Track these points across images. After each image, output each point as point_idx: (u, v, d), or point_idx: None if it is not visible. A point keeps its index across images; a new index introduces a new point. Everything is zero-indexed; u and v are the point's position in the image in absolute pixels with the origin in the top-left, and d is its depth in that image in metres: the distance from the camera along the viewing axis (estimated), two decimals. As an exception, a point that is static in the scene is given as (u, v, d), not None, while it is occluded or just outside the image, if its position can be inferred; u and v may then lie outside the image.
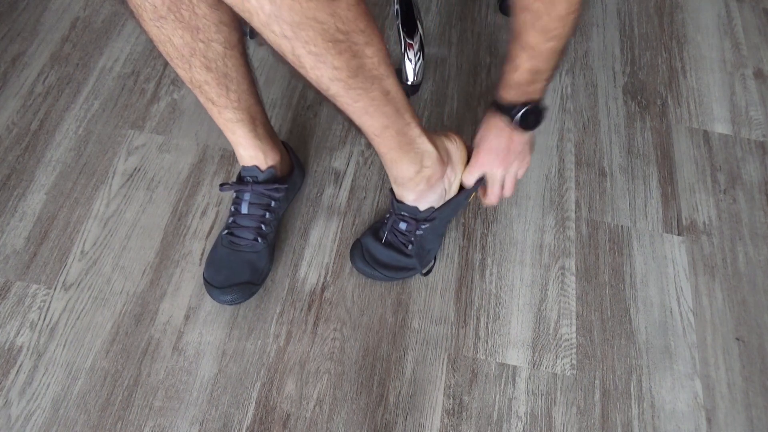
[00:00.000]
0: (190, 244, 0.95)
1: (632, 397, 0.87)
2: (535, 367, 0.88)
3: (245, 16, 0.54)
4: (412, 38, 1.08)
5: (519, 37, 0.67)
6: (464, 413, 0.84)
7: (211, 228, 0.97)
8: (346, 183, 1.03)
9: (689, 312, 0.94)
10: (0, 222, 0.95)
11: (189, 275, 0.92)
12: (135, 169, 1.02)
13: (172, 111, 1.09)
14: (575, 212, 1.03)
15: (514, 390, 0.87)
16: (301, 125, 1.09)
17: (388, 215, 0.91)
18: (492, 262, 0.97)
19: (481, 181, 0.86)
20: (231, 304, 0.89)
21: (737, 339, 0.93)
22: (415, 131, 0.73)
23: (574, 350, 0.90)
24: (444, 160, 0.80)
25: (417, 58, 1.08)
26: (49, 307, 0.88)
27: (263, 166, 0.86)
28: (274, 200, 0.89)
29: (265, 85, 1.13)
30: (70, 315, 0.88)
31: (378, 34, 0.59)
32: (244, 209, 0.88)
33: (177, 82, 1.12)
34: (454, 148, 0.83)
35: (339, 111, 0.66)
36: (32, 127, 1.05)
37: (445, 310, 0.92)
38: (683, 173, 1.09)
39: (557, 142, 1.10)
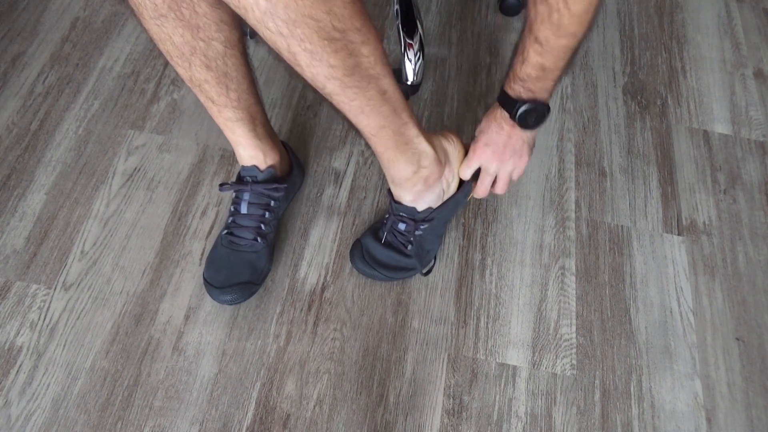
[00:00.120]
0: (190, 244, 0.95)
1: (632, 397, 0.87)
2: (535, 367, 0.88)
3: (241, 12, 0.54)
4: (412, 38, 1.08)
5: (531, 30, 0.65)
6: (464, 413, 0.84)
7: (211, 228, 0.97)
8: (346, 183, 1.03)
9: (689, 312, 0.94)
10: (0, 222, 0.95)
11: (189, 275, 0.92)
12: (135, 169, 1.02)
13: (172, 111, 1.09)
14: (575, 212, 1.03)
15: (514, 390, 0.87)
16: (301, 125, 1.09)
17: (387, 215, 0.91)
18: (492, 262, 0.97)
19: (477, 178, 0.86)
20: (231, 304, 0.89)
21: (737, 339, 0.93)
22: (413, 131, 0.73)
23: (574, 350, 0.90)
24: (441, 160, 0.80)
25: (417, 58, 1.08)
26: (49, 307, 0.88)
27: (263, 166, 0.86)
28: (274, 200, 0.89)
29: (265, 85, 1.13)
30: (70, 315, 0.88)
31: (374, 33, 0.59)
32: (244, 209, 0.88)
33: (177, 82, 1.12)
34: (452, 148, 0.83)
35: (337, 110, 0.66)
36: (32, 127, 1.05)
37: (445, 310, 0.92)
38: (683, 173, 1.09)
39: (557, 142, 1.10)
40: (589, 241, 1.00)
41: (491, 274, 0.96)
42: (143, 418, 0.81)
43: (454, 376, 0.87)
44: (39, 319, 0.87)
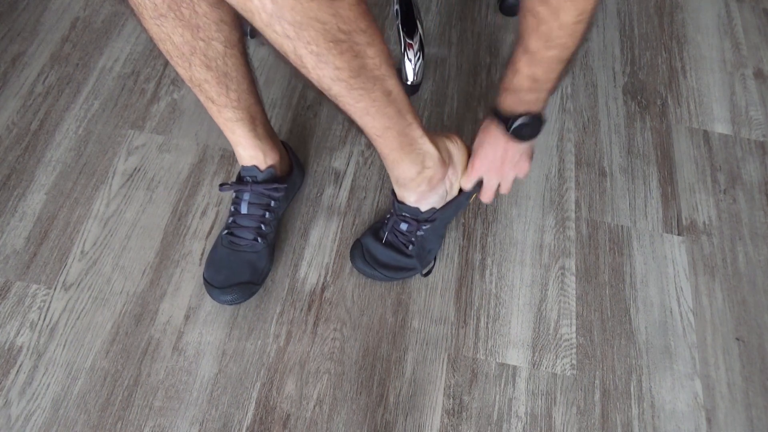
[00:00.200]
0: (190, 244, 0.95)
1: (632, 397, 0.87)
2: (535, 367, 0.88)
3: (247, 15, 0.54)
4: (412, 38, 1.08)
5: (521, 41, 0.65)
6: (464, 413, 0.84)
7: (211, 228, 0.97)
8: (346, 183, 1.03)
9: (689, 312, 0.94)
10: (0, 222, 0.95)
11: (189, 275, 0.92)
12: (135, 169, 1.02)
13: (172, 111, 1.09)
14: (575, 212, 1.03)
15: (514, 390, 0.86)
16: (301, 125, 1.09)
17: (388, 215, 0.91)
18: (492, 262, 0.97)
19: (481, 183, 0.86)
20: (231, 304, 0.89)
21: (737, 339, 0.93)
22: (417, 132, 0.73)
23: (574, 350, 0.90)
24: (445, 161, 0.80)
25: (417, 58, 1.08)
26: (49, 307, 0.88)
27: (263, 166, 0.86)
28: (274, 200, 0.89)
29: (265, 85, 1.13)
30: (70, 315, 0.88)
31: (379, 34, 0.59)
32: (244, 209, 0.88)
33: (177, 82, 1.12)
34: (456, 149, 0.83)
35: (340, 111, 0.66)
36: (32, 127, 1.05)
37: (445, 310, 0.92)
38: (683, 173, 1.09)
39: (557, 142, 1.11)
40: (589, 241, 1.00)
41: (491, 274, 0.96)
42: (143, 418, 0.81)
43: (454, 376, 0.87)
44: (39, 319, 0.87)
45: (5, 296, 0.89)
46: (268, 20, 0.53)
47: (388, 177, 0.83)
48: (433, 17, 1.26)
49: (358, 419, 0.83)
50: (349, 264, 0.94)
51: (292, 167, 0.96)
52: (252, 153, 0.84)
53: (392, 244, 0.90)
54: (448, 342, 0.89)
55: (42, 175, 1.00)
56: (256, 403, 0.83)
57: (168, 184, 1.00)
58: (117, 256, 0.93)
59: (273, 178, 0.88)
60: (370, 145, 1.02)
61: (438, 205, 0.86)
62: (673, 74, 1.22)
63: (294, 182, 0.96)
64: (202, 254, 0.94)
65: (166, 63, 1.14)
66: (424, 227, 0.88)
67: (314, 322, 0.90)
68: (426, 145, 0.76)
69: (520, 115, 0.73)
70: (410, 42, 1.07)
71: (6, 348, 0.85)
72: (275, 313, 0.90)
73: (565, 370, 0.88)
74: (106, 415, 0.81)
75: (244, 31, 0.73)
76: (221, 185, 0.88)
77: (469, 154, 0.85)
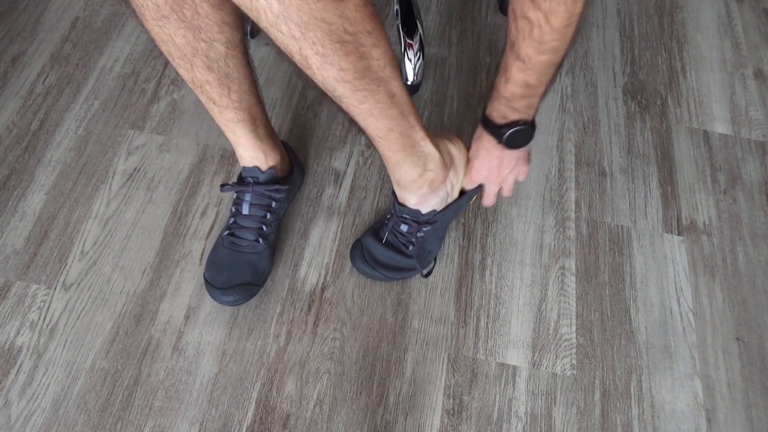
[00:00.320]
0: (190, 244, 0.95)
1: (632, 397, 0.87)
2: (535, 367, 0.89)
3: (253, 15, 0.54)
4: (412, 38, 1.08)
5: (513, 47, 0.64)
6: (464, 413, 0.84)
7: (211, 228, 0.97)
8: (346, 183, 1.03)
9: (689, 312, 0.95)
10: (0, 222, 0.95)
11: (189, 275, 0.92)
12: (135, 169, 1.02)
13: (172, 111, 1.09)
14: (575, 212, 1.03)
15: (514, 390, 0.87)
16: (301, 125, 1.09)
17: (389, 216, 0.91)
18: (492, 262, 0.97)
19: (482, 186, 0.86)
20: (232, 305, 0.89)
21: (737, 339, 0.93)
22: (419, 134, 0.73)
23: (574, 350, 0.90)
24: (447, 163, 0.80)
25: (417, 58, 1.08)
26: (49, 307, 0.88)
27: (264, 167, 0.86)
28: (275, 201, 0.89)
29: (265, 85, 1.13)
30: (70, 315, 0.88)
31: (385, 36, 0.59)
32: (245, 210, 0.88)
33: (177, 82, 1.12)
34: (457, 151, 0.83)
35: (342, 112, 0.66)
36: (32, 127, 1.05)
37: (445, 310, 0.92)
38: (683, 173, 1.09)
39: (557, 142, 1.11)
40: (589, 241, 1.00)
41: (491, 274, 0.96)
42: (143, 418, 0.81)
43: (454, 376, 0.87)
44: (39, 319, 0.87)
45: (5, 296, 0.89)
46: (275, 20, 0.53)
47: (388, 177, 0.83)
48: (433, 17, 1.26)
49: (358, 419, 0.83)
50: (349, 264, 0.95)
51: (293, 167, 0.96)
52: (253, 153, 0.84)
53: (392, 244, 0.90)
54: (448, 342, 0.90)
55: (42, 175, 1.00)
56: (256, 403, 0.83)
57: (168, 184, 1.00)
58: (117, 256, 0.93)
59: (274, 179, 0.88)
60: (370, 145, 1.02)
61: (439, 207, 0.86)
62: (673, 74, 1.22)
63: (294, 182, 0.96)
64: (202, 254, 0.94)
65: (166, 63, 1.14)
66: (424, 229, 0.88)
67: (314, 322, 0.90)
68: (428, 147, 0.76)
69: (512, 124, 0.72)
70: (410, 42, 1.07)
71: (6, 348, 0.85)
72: (275, 313, 0.90)
73: (565, 370, 0.89)
74: (106, 415, 0.81)
75: (245, 31, 0.73)
76: (222, 186, 0.88)
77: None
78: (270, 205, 0.89)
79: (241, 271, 0.87)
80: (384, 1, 1.27)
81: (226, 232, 0.89)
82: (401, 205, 0.86)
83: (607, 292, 0.96)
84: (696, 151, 1.12)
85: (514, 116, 0.72)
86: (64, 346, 0.85)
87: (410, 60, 1.07)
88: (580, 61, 1.22)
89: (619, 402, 0.87)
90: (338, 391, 0.85)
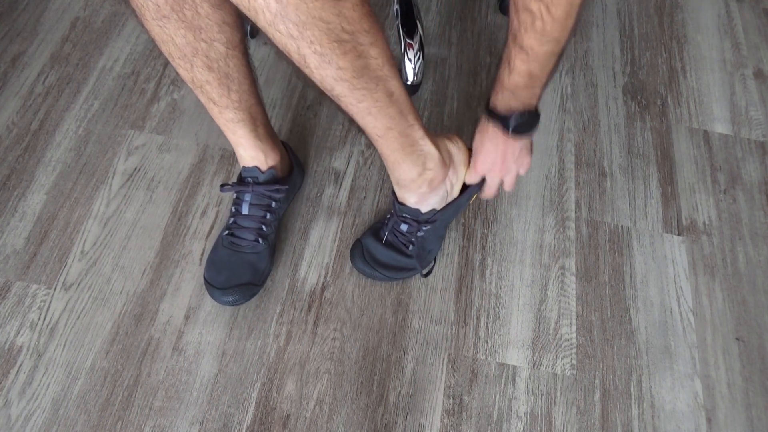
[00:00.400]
0: (190, 244, 0.95)
1: (632, 397, 0.87)
2: (535, 367, 0.89)
3: (251, 15, 0.54)
4: (412, 38, 1.08)
5: (515, 39, 0.65)
6: (464, 413, 0.84)
7: (211, 228, 0.97)
8: (346, 183, 1.03)
9: (689, 312, 0.95)
10: (0, 222, 0.95)
11: (189, 275, 0.92)
12: (135, 169, 1.02)
13: (172, 111, 1.09)
14: (575, 212, 1.03)
15: (514, 390, 0.87)
16: (301, 125, 1.09)
17: (388, 216, 0.91)
18: (492, 262, 0.97)
19: (483, 183, 0.86)
20: (232, 305, 0.89)
21: (737, 339, 0.93)
22: (418, 133, 0.73)
23: (574, 350, 0.90)
24: (446, 162, 0.80)
25: (417, 58, 1.08)
26: (49, 307, 0.88)
27: (264, 167, 0.86)
28: (275, 201, 0.89)
29: (265, 85, 1.13)
30: (70, 315, 0.88)
31: (382, 35, 0.59)
32: (245, 210, 0.88)
33: (177, 82, 1.12)
34: (456, 150, 0.83)
35: (342, 111, 0.66)
36: (32, 127, 1.05)
37: (445, 310, 0.92)
38: (683, 173, 1.09)
39: (557, 142, 1.11)
40: (589, 241, 1.00)
41: (491, 274, 0.96)
42: (143, 418, 0.81)
43: (454, 376, 0.87)
44: (39, 319, 0.87)
45: (5, 296, 0.89)
46: (272, 19, 0.53)
47: (388, 177, 0.83)
48: (433, 17, 1.26)
49: (358, 419, 0.83)
50: (349, 264, 0.95)
51: (293, 167, 0.96)
52: (253, 153, 0.84)
53: (392, 244, 0.90)
54: (448, 342, 0.90)
55: (42, 175, 1.00)
56: (256, 403, 0.83)
57: (168, 184, 1.00)
58: (117, 256, 0.93)
59: (274, 179, 0.88)
60: (370, 145, 1.02)
61: (438, 207, 0.86)
62: (673, 74, 1.22)
63: (294, 182, 0.96)
64: (202, 254, 0.94)
65: (166, 63, 1.14)
66: (424, 228, 0.88)
67: (314, 322, 0.90)
68: (427, 146, 0.76)
69: (518, 113, 0.73)
70: (410, 42, 1.07)
71: (6, 348, 0.85)
72: (275, 313, 0.90)
73: (565, 370, 0.89)
74: (106, 415, 0.81)
75: (245, 31, 0.73)
76: (222, 186, 0.88)
77: (470, 154, 0.85)
78: (270, 205, 0.89)
79: (241, 271, 0.87)
80: (384, 1, 1.27)
81: (226, 232, 0.89)
82: (401, 204, 0.86)
83: (607, 292, 0.96)
84: (696, 151, 1.12)
85: (518, 105, 0.73)
86: (64, 346, 0.85)
87: (410, 60, 1.07)
88: (580, 61, 1.22)
89: (619, 402, 0.87)
90: (338, 391, 0.85)
